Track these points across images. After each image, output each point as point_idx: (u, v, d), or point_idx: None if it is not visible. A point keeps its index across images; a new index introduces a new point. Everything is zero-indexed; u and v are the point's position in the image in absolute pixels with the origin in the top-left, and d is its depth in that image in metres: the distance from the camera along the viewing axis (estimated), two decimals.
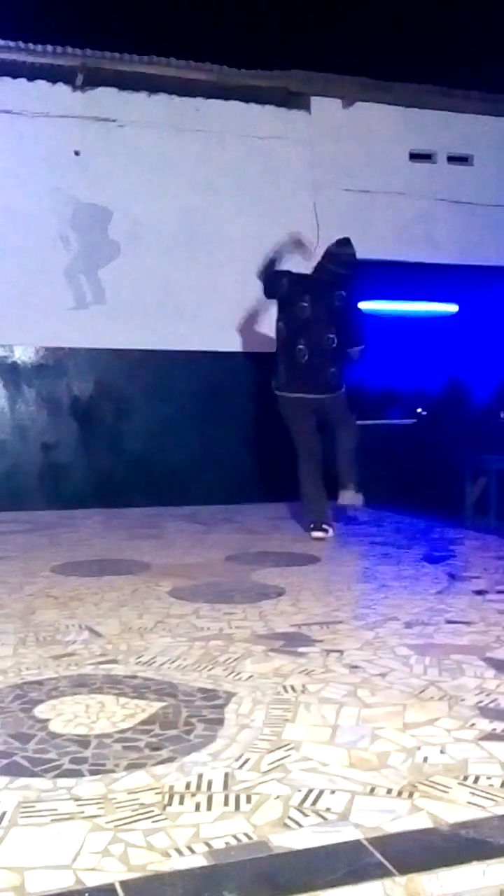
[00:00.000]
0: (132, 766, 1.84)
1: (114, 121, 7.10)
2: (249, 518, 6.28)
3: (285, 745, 1.94)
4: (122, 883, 1.39)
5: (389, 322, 9.12)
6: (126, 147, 7.12)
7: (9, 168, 6.85)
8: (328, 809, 1.63)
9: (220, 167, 7.33)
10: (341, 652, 2.70)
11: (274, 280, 5.43)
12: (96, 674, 2.51)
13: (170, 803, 1.66)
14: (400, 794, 1.70)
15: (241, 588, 3.79)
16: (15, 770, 1.83)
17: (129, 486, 7.03)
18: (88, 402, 7.08)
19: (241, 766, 1.83)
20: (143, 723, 2.10)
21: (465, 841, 1.51)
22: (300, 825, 1.57)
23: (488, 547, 4.87)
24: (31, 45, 6.72)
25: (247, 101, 7.40)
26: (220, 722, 2.09)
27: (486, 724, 2.06)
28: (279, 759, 1.86)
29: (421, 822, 1.58)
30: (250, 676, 2.45)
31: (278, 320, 5.45)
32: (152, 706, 2.21)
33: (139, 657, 2.68)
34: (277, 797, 1.68)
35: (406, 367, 9.73)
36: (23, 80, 6.87)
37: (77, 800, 1.69)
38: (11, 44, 6.67)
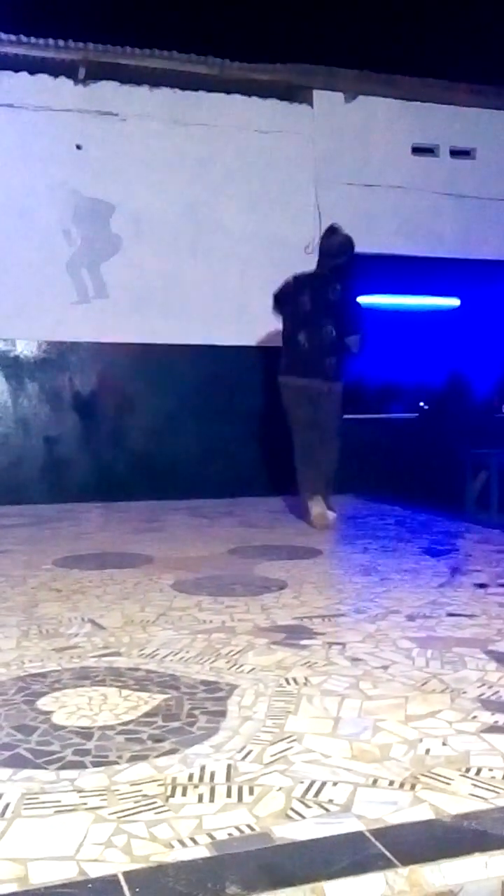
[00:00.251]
0: (135, 758, 1.84)
1: (116, 115, 7.09)
2: (251, 511, 6.28)
3: (288, 737, 1.95)
4: (126, 874, 1.39)
5: (391, 316, 9.11)
6: (128, 141, 7.11)
7: (11, 162, 6.84)
8: (330, 801, 1.64)
9: (221, 161, 7.32)
10: (343, 644, 2.71)
11: (279, 295, 5.66)
12: (99, 666, 2.52)
13: (172, 795, 1.67)
14: (402, 785, 1.70)
15: (243, 581, 3.79)
16: (18, 762, 1.84)
17: (132, 479, 7.03)
18: (90, 396, 7.08)
19: (243, 758, 1.83)
20: (145, 715, 2.10)
21: (468, 832, 1.52)
22: (303, 817, 1.58)
23: (489, 540, 4.87)
24: (32, 39, 6.70)
25: (249, 94, 7.38)
26: (223, 714, 2.10)
27: (487, 717, 2.06)
28: (282, 751, 1.87)
29: (423, 813, 1.59)
30: (252, 669, 2.46)
31: (283, 317, 5.66)
32: (155, 698, 2.22)
33: (142, 650, 2.68)
34: (280, 789, 1.69)
35: (408, 362, 9.72)
36: (24, 74, 6.85)
37: (80, 791, 1.69)
38: (13, 37, 6.65)
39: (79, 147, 7.00)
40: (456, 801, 1.63)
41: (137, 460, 7.10)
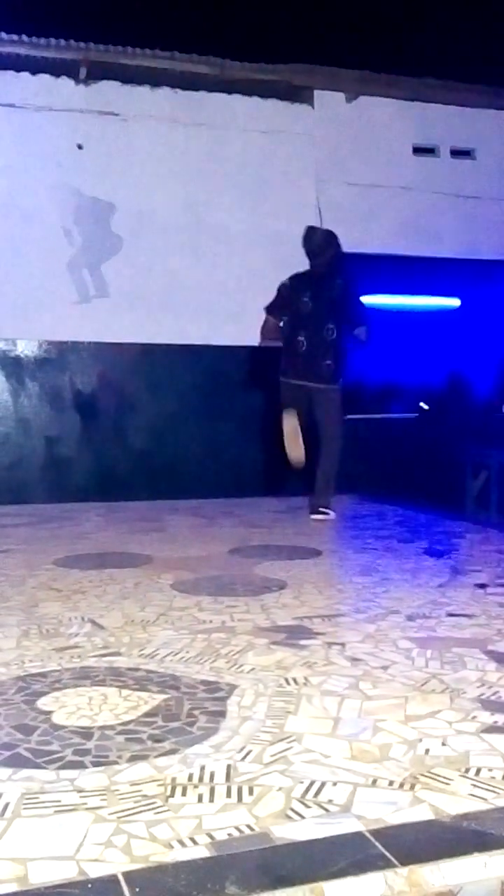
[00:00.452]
0: (135, 758, 1.84)
1: (117, 114, 7.09)
2: (252, 511, 6.28)
3: (287, 738, 1.95)
4: (126, 874, 1.40)
5: (391, 316, 9.11)
6: (129, 141, 7.12)
7: (11, 162, 6.84)
8: (330, 801, 1.64)
9: (222, 161, 7.32)
10: (343, 645, 2.71)
11: (276, 297, 5.75)
12: (99, 666, 2.52)
13: (172, 795, 1.67)
14: (402, 785, 1.70)
15: (243, 581, 3.80)
16: (18, 761, 1.84)
17: (132, 479, 7.04)
18: (91, 396, 7.08)
19: (243, 758, 1.84)
20: (145, 715, 2.11)
21: (467, 832, 1.52)
22: (302, 817, 1.58)
23: (489, 540, 4.87)
24: (34, 39, 6.70)
25: (250, 94, 7.38)
26: (223, 714, 2.10)
27: (487, 717, 2.07)
28: (281, 751, 1.87)
29: (423, 813, 1.59)
30: (252, 669, 2.46)
31: (284, 317, 5.71)
32: (155, 698, 2.22)
33: (142, 650, 2.69)
34: (279, 789, 1.69)
35: (408, 362, 9.71)
36: (26, 74, 6.86)
37: (80, 791, 1.69)
38: (14, 37, 6.65)
39: (80, 147, 7.00)
40: (455, 801, 1.63)
41: (137, 460, 7.10)
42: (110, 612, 3.23)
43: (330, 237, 5.70)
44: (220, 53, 7.13)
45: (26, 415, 6.95)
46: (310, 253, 5.67)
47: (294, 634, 2.84)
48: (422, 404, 9.11)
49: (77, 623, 3.06)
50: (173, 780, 1.74)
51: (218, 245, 7.29)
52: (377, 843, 1.47)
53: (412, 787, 1.69)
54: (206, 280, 7.24)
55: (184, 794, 1.67)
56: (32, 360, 6.95)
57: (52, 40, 6.73)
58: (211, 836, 1.51)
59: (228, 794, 1.67)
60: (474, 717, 2.07)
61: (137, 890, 1.35)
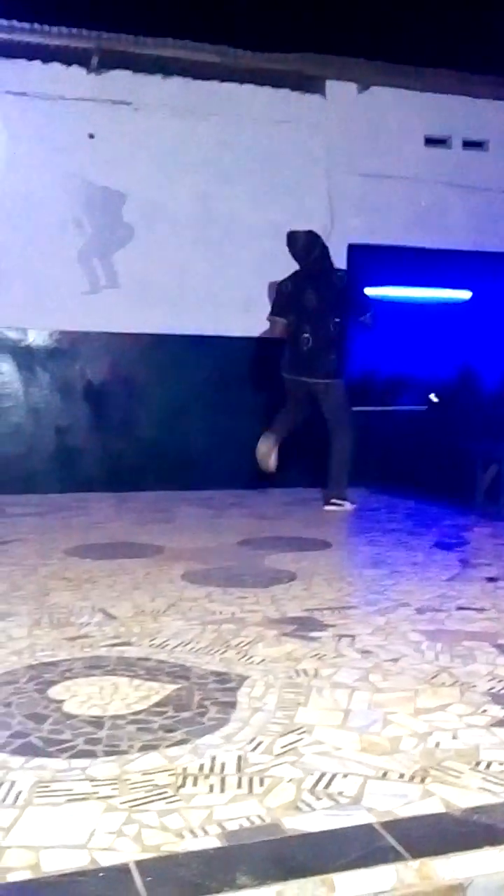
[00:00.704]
0: (146, 748, 1.85)
1: (128, 104, 7.07)
2: (261, 503, 6.29)
3: (298, 729, 1.96)
4: (137, 863, 1.41)
5: (401, 308, 9.09)
6: (140, 130, 7.09)
7: (23, 151, 6.82)
8: (341, 793, 1.64)
9: (233, 151, 7.29)
10: (353, 637, 2.72)
11: (278, 299, 5.95)
12: (110, 656, 2.53)
13: (183, 785, 1.68)
14: (412, 778, 1.71)
15: (253, 572, 3.80)
16: (30, 750, 1.85)
17: (142, 469, 7.04)
18: (101, 386, 7.08)
19: (253, 749, 1.84)
20: (156, 705, 2.12)
21: (477, 826, 1.52)
22: (313, 808, 1.59)
23: (499, 534, 4.87)
24: (45, 27, 6.68)
25: (261, 84, 7.35)
26: (233, 705, 2.11)
27: (497, 711, 2.07)
28: (292, 743, 1.88)
29: (433, 806, 1.60)
30: (262, 660, 2.47)
31: (290, 313, 5.84)
32: (165, 688, 2.23)
33: (152, 640, 2.70)
34: (290, 780, 1.70)
35: (418, 354, 9.69)
36: (37, 63, 6.83)
37: (92, 780, 1.70)
38: (26, 26, 6.63)
39: (91, 136, 6.98)
40: (466, 794, 1.64)
41: (147, 450, 7.10)
42: (121, 601, 3.24)
43: (313, 237, 5.86)
44: (232, 43, 7.10)
45: (37, 404, 6.96)
46: (296, 256, 5.85)
47: (304, 626, 2.85)
48: (432, 397, 9.09)
49: (88, 613, 3.07)
50: (184, 770, 1.74)
51: (228, 235, 7.27)
52: (388, 836, 1.48)
53: (423, 780, 1.70)
54: (217, 270, 7.22)
55: (195, 784, 1.68)
56: (43, 350, 6.96)
57: (64, 29, 6.70)
58: (222, 827, 1.52)
59: (239, 785, 1.68)
60: (485, 711, 2.07)
61: (149, 879, 1.36)
